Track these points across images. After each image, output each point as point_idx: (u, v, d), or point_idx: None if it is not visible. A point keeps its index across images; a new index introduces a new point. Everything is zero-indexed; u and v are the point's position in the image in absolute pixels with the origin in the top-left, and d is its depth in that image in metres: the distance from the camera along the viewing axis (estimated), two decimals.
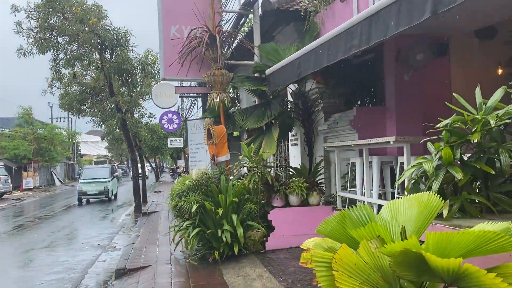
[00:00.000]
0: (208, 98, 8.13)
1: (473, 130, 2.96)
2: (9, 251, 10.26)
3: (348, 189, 6.72)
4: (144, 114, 19.15)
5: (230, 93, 13.03)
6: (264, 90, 7.65)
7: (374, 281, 1.68)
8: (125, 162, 61.89)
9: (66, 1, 13.20)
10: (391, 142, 5.05)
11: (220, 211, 6.44)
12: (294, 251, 6.53)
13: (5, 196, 26.39)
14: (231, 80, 7.99)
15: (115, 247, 9.99)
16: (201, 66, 8.00)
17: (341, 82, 7.93)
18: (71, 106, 16.41)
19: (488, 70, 7.40)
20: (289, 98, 8.62)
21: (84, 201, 21.58)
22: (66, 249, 10.05)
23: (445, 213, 2.82)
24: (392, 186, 6.22)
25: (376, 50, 7.20)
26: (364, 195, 6.18)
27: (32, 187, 31.97)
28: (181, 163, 32.39)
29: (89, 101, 16.58)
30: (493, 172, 2.80)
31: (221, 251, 6.33)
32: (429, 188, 2.89)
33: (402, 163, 5.43)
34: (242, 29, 10.78)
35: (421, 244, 1.72)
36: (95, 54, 14.65)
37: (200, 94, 15.51)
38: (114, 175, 24.33)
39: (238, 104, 14.44)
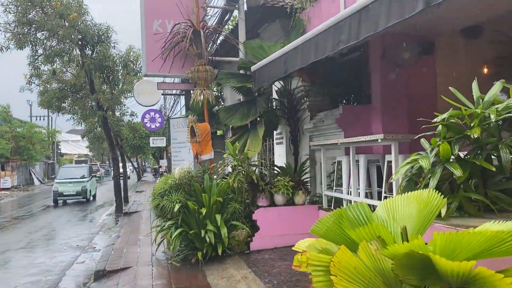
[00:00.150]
0: (192, 95, 7.94)
1: (471, 125, 2.85)
2: None
3: (334, 188, 6.62)
4: (126, 112, 18.87)
5: (214, 91, 12.84)
6: (249, 87, 7.49)
7: (375, 286, 1.54)
8: (107, 162, 61.01)
9: None
10: (379, 140, 4.95)
11: (204, 211, 6.27)
12: (279, 251, 6.39)
13: None
14: (216, 77, 7.82)
15: (95, 247, 9.71)
16: (185, 62, 7.81)
17: (327, 81, 7.84)
18: (50, 104, 16.01)
19: (474, 69, 7.37)
20: (275, 96, 8.49)
21: (60, 202, 20.65)
22: (44, 250, 9.72)
23: (443, 212, 2.71)
24: (379, 185, 6.15)
25: (362, 49, 7.13)
26: (350, 194, 6.08)
27: (10, 187, 31.15)
28: (163, 162, 32.02)
29: (69, 99, 16.19)
30: (494, 169, 2.70)
31: (204, 252, 6.15)
32: (426, 186, 2.76)
33: (389, 162, 5.34)
34: (226, 27, 10.61)
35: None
36: (76, 50, 14.28)
37: (183, 92, 15.27)
38: (92, 174, 23.35)
39: (222, 103, 14.26)
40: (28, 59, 14.04)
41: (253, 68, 6.87)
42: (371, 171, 6.25)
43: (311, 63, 5.33)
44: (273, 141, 9.55)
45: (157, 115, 16.44)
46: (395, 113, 6.68)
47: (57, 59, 14.36)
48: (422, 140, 3.39)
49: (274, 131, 8.40)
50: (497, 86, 2.94)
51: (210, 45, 8.04)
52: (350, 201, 6.06)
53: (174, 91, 20.30)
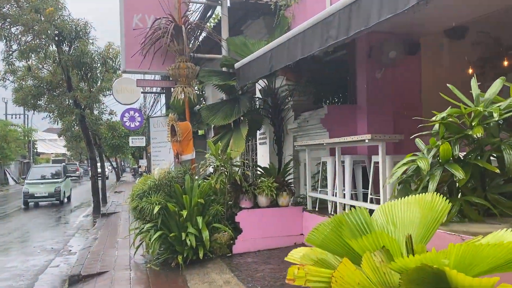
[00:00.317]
0: (172, 93, 7.69)
1: (472, 124, 2.69)
2: None
3: (319, 189, 6.47)
4: (105, 110, 18.34)
5: (196, 90, 12.58)
6: (232, 85, 7.29)
7: None
8: (85, 161, 59.90)
9: None
10: (366, 140, 4.81)
11: (185, 213, 6.04)
12: (262, 254, 6.21)
13: None
14: (197, 74, 7.58)
15: (70, 250, 9.35)
16: (165, 59, 7.54)
17: (312, 80, 7.70)
18: (25, 101, 15.51)
19: (458, 70, 7.35)
20: (258, 95, 8.31)
21: (32, 204, 19.29)
22: (16, 254, 9.33)
23: None
24: (364, 186, 6.03)
25: (348, 48, 7.01)
26: (336, 195, 5.94)
27: None
28: (143, 162, 31.49)
29: (45, 96, 15.71)
30: (498, 172, 2.56)
31: (185, 256, 5.93)
32: (424, 189, 2.61)
33: (376, 163, 5.21)
34: (209, 24, 10.38)
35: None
36: (52, 46, 13.84)
37: (164, 90, 14.94)
38: (67, 174, 21.97)
39: (204, 102, 14.00)
40: (2, 55, 13.58)
41: (236, 65, 6.67)
42: (356, 172, 6.13)
43: (297, 61, 5.17)
44: (256, 141, 9.37)
45: (137, 114, 16.07)
46: (380, 113, 6.58)
47: (33, 55, 13.90)
48: (417, 140, 3.24)
49: (258, 131, 8.20)
50: (497, 84, 2.80)
51: (192, 42, 7.79)
52: (336, 203, 5.93)
53: (154, 89, 19.92)
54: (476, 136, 2.53)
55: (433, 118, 2.91)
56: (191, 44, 7.65)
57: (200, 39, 8.26)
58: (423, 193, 1.91)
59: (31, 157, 47.25)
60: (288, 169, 7.19)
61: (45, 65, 15.51)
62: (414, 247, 1.51)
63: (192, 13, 8.47)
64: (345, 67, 7.33)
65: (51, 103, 15.65)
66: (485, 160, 2.68)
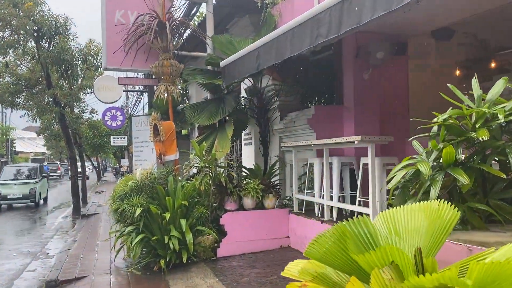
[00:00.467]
0: (155, 91, 7.47)
1: (476, 126, 2.57)
2: None
3: (305, 191, 6.34)
4: (86, 109, 17.92)
5: (179, 89, 12.35)
6: (217, 84, 7.11)
7: None
8: (66, 160, 58.85)
9: None
10: (356, 142, 4.70)
11: (167, 215, 5.84)
12: (248, 258, 6.05)
13: None
14: (181, 73, 7.38)
15: (48, 254, 9.03)
16: (149, 56, 7.32)
17: (298, 80, 7.59)
18: (3, 99, 15.03)
19: (444, 71, 7.35)
20: (244, 94, 8.15)
21: (5, 206, 17.97)
22: None
23: None
24: (352, 189, 5.93)
25: (335, 48, 6.92)
26: (323, 197, 5.82)
27: None
28: (124, 162, 31.03)
29: (24, 94, 15.23)
30: (504, 177, 2.44)
31: (167, 259, 5.72)
32: (425, 194, 2.48)
33: (365, 165, 5.11)
34: (193, 22, 10.18)
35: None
36: (31, 42, 13.44)
37: (147, 89, 14.64)
38: (43, 174, 20.38)
39: (187, 101, 13.78)
40: None
41: (222, 63, 6.50)
42: (343, 174, 6.02)
43: (283, 60, 5.03)
44: (240, 141, 9.21)
45: (119, 113, 15.75)
46: (367, 114, 6.50)
47: (11, 51, 13.50)
48: (414, 142, 3.11)
49: (243, 131, 8.04)
50: (500, 84, 2.69)
51: (176, 39, 7.58)
52: (323, 205, 5.81)
53: (136, 88, 19.58)
54: (482, 138, 2.41)
55: (435, 120, 2.78)
56: (175, 42, 7.45)
57: (185, 36, 8.05)
58: (427, 200, 1.79)
59: (9, 156, 46.17)
60: (274, 170, 7.05)
61: (23, 62, 15.04)
62: (424, 260, 1.37)
63: (176, 10, 8.26)
64: (332, 67, 7.24)
65: (29, 101, 15.18)
66: (489, 164, 2.57)
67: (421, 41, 7.10)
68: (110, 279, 5.87)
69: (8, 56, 14.11)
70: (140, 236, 5.83)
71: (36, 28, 12.72)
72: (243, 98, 8.03)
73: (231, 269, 5.56)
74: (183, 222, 5.86)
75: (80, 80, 15.41)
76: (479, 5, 5.04)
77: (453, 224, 1.55)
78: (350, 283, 1.23)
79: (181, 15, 8.48)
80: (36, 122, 17.04)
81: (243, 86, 8.13)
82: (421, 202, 1.68)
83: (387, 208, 1.88)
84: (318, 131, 6.63)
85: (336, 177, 5.64)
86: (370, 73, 6.46)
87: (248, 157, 8.47)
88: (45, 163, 47.68)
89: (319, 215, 5.92)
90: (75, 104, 16.17)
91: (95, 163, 37.64)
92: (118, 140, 20.02)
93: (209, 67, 7.64)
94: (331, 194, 5.66)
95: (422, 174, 2.50)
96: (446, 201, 1.62)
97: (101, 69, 13.95)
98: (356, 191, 5.40)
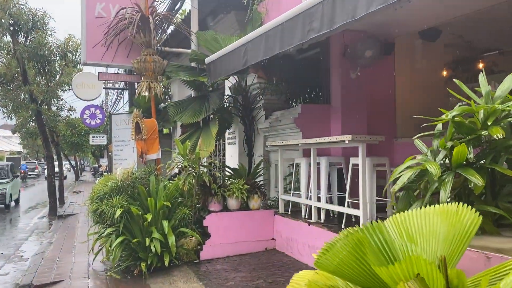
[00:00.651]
0: (137, 88, 7.21)
1: (488, 123, 2.42)
2: None
3: (292, 192, 6.19)
4: (64, 107, 17.52)
5: (161, 87, 12.09)
6: (202, 81, 6.90)
7: None
8: (43, 159, 57.55)
9: None
10: (347, 141, 4.56)
11: (149, 217, 5.61)
12: (232, 261, 5.86)
13: None
14: (165, 69, 7.14)
15: (22, 256, 8.66)
16: (130, 51, 7.08)
17: (284, 78, 7.44)
18: None
19: (431, 71, 7.30)
20: (228, 92, 7.96)
21: None
22: None
23: None
24: (340, 189, 5.80)
25: (322, 46, 6.79)
26: (310, 198, 5.67)
27: None
28: (103, 161, 30.44)
29: None
30: None
31: (149, 263, 5.50)
32: (432, 195, 2.33)
33: (354, 165, 4.98)
34: (177, 18, 9.94)
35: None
36: (6, 36, 13.03)
37: (127, 86, 14.30)
38: (15, 174, 18.93)
39: (169, 99, 13.52)
40: None
41: (207, 59, 6.29)
42: (331, 175, 5.88)
43: (269, 58, 4.86)
44: (224, 140, 9.01)
45: (98, 111, 15.34)
46: (355, 113, 6.40)
47: None
48: (417, 141, 2.97)
49: (227, 130, 7.85)
50: (509, 79, 2.56)
51: (159, 34, 7.35)
52: (310, 206, 5.67)
53: (117, 85, 19.17)
54: (497, 136, 2.27)
55: (443, 116, 2.64)
56: (158, 37, 7.21)
57: (169, 32, 7.82)
58: (436, 203, 1.63)
59: None
60: (259, 170, 6.88)
61: None
62: (448, 271, 1.22)
63: (160, 4, 8.02)
64: (318, 66, 7.12)
65: (5, 97, 14.72)
66: (501, 164, 2.44)
67: (408, 41, 7.04)
68: (88, 283, 5.60)
69: None
70: (120, 238, 5.58)
71: (12, 22, 12.36)
72: (227, 97, 7.84)
73: (215, 273, 5.36)
74: (165, 223, 5.64)
75: (58, 76, 15.01)
76: (465, 6, 4.99)
77: (475, 230, 1.41)
78: None
79: (165, 10, 8.24)
80: (11, 119, 16.51)
81: (228, 84, 7.94)
82: (436, 205, 1.54)
83: (387, 211, 1.72)
84: (304, 130, 6.50)
85: (324, 178, 5.50)
86: (358, 72, 6.36)
87: (232, 157, 8.28)
88: (23, 162, 46.53)
89: (306, 217, 5.77)
90: (53, 101, 15.76)
91: (73, 162, 36.95)
92: (97, 139, 19.59)
93: (193, 64, 7.43)
94: (319, 195, 5.52)
95: (430, 175, 2.34)
96: (468, 205, 1.48)
97: (80, 65, 13.58)
98: (344, 192, 5.27)
